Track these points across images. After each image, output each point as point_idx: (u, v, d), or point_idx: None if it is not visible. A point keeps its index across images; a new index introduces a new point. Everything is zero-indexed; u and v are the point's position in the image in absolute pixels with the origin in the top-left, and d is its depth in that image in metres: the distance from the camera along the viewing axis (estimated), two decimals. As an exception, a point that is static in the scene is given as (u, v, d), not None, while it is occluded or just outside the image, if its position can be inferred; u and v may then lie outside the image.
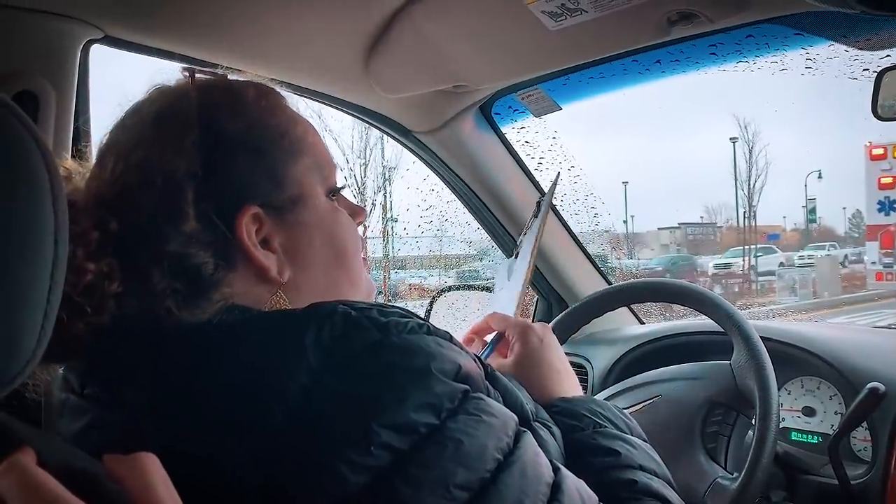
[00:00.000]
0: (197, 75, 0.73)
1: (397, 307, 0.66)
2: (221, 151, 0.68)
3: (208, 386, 0.60)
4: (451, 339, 0.66)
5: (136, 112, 0.72)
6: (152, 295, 0.64)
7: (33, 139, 0.52)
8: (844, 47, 1.20)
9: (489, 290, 1.83)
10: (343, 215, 0.77)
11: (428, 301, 2.00)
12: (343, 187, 0.79)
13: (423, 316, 0.72)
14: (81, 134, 1.11)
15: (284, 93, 0.78)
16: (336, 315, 0.61)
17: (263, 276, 0.69)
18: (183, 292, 0.64)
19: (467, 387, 0.62)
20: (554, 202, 1.83)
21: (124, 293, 0.64)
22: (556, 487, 0.64)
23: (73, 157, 0.94)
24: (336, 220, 0.76)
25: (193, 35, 1.16)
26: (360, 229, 0.82)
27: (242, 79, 0.77)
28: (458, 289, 2.08)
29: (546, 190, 1.14)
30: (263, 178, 0.70)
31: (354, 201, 0.82)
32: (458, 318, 1.92)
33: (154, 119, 0.70)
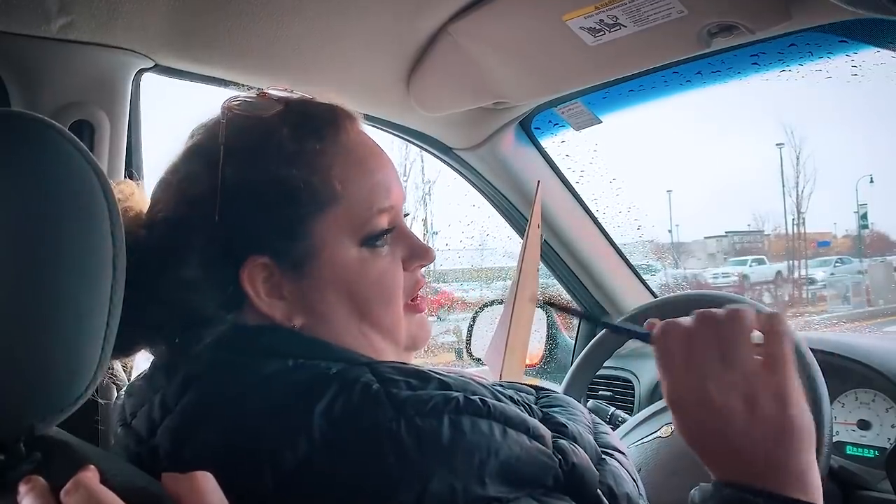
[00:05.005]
0: (234, 111, 0.70)
1: (445, 375, 0.61)
2: (238, 200, 0.66)
3: (216, 434, 0.59)
4: (517, 422, 0.58)
5: (185, 144, 0.72)
6: (152, 328, 0.65)
7: (91, 168, 0.55)
8: (891, 53, 1.18)
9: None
10: (376, 266, 0.70)
11: (471, 315, 2.01)
12: (391, 229, 0.72)
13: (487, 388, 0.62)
14: (134, 160, 1.15)
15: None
16: (356, 385, 0.58)
17: (270, 321, 0.67)
18: (177, 327, 0.64)
19: (503, 489, 0.56)
20: (596, 214, 1.82)
21: (132, 326, 0.63)
22: None
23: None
24: (361, 274, 0.69)
25: (239, 61, 1.19)
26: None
27: (293, 102, 0.71)
28: (500, 303, 2.06)
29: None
30: (276, 232, 0.67)
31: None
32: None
33: (185, 159, 0.70)
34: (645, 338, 0.71)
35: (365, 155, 0.72)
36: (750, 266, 14.81)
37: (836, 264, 13.82)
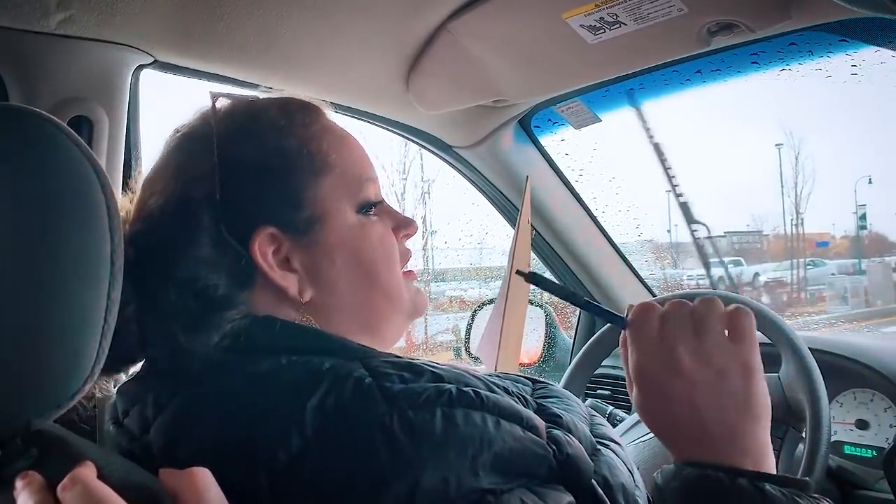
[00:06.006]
0: (219, 100, 0.73)
1: (438, 367, 0.61)
2: (236, 175, 0.68)
3: (210, 431, 0.59)
4: (510, 413, 0.59)
5: (168, 141, 0.74)
6: (166, 316, 0.65)
7: (90, 163, 0.55)
8: (892, 52, 1.18)
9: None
10: (375, 230, 0.74)
11: (469, 314, 2.01)
12: (380, 202, 0.76)
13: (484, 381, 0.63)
14: (133, 156, 1.15)
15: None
16: (349, 380, 0.58)
17: (284, 296, 0.68)
18: (195, 312, 0.65)
19: (497, 481, 0.56)
20: (595, 213, 1.82)
21: (142, 315, 0.66)
22: None
23: (124, 178, 0.97)
24: (363, 238, 0.73)
25: (239, 57, 1.18)
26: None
27: (272, 96, 0.77)
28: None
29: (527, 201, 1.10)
30: (279, 200, 0.69)
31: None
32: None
33: (176, 148, 0.72)
34: (620, 321, 0.72)
35: (343, 133, 0.77)
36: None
37: (808, 267, 13.73)
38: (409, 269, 0.79)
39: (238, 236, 0.67)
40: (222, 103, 0.73)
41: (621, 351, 0.73)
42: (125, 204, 0.72)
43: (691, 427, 0.65)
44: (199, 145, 0.69)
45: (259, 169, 0.69)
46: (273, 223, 0.68)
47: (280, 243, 0.69)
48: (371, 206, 0.75)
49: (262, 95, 0.78)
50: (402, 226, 0.79)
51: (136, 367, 0.73)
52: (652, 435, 1.20)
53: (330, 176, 0.72)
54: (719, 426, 0.64)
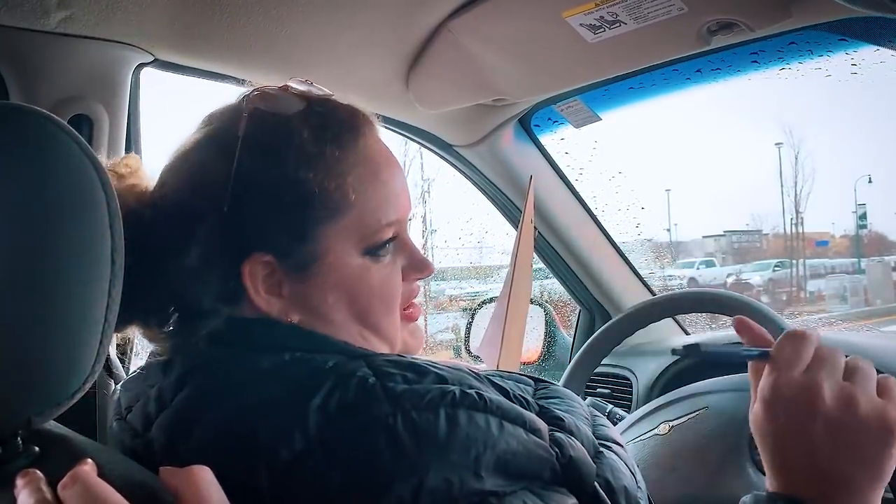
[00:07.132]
0: (256, 104, 0.68)
1: (441, 368, 0.61)
2: (248, 196, 0.65)
3: (212, 428, 0.59)
4: (514, 416, 0.58)
5: (197, 129, 0.71)
6: (147, 311, 0.66)
7: (90, 162, 0.55)
8: (891, 52, 1.18)
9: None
10: (378, 274, 0.70)
11: (469, 313, 2.01)
12: (394, 238, 0.72)
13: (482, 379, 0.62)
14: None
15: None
16: (353, 380, 0.58)
17: (268, 317, 0.67)
18: (175, 313, 0.66)
19: (500, 483, 0.56)
20: (595, 211, 1.82)
21: (127, 304, 0.62)
22: None
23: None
24: (363, 281, 0.69)
25: (239, 56, 1.18)
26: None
27: (320, 100, 0.71)
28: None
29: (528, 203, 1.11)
30: (283, 232, 0.66)
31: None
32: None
33: (195, 147, 0.69)
34: (765, 355, 0.68)
35: (380, 164, 0.72)
36: (697, 269, 14.03)
37: (776, 268, 13.68)
38: (412, 307, 0.77)
39: (233, 255, 0.66)
40: (258, 106, 0.68)
41: (750, 365, 0.70)
42: (146, 173, 0.73)
43: (809, 466, 0.62)
44: (219, 152, 0.66)
45: (273, 196, 0.66)
46: (271, 252, 0.66)
47: (272, 270, 0.67)
48: (381, 248, 0.70)
49: (300, 89, 0.71)
50: (416, 268, 0.75)
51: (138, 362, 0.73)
52: (651, 434, 1.21)
53: (345, 217, 0.68)
54: (839, 475, 0.61)
